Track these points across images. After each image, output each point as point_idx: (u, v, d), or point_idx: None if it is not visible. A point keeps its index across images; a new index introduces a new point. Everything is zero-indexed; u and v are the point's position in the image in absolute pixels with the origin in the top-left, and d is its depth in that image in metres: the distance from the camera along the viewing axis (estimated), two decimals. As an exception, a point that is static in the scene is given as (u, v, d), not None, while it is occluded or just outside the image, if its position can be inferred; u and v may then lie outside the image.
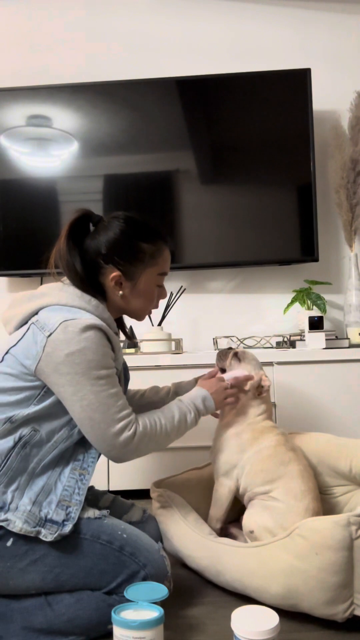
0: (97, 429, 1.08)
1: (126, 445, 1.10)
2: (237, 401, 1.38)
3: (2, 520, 1.01)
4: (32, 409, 1.09)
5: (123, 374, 1.30)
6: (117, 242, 1.20)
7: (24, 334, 1.12)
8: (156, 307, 1.32)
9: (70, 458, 1.14)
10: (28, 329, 1.12)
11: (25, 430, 1.09)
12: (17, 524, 1.01)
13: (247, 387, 1.38)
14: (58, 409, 1.11)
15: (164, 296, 1.31)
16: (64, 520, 1.05)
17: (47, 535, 1.02)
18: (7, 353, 1.12)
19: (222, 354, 1.45)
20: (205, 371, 1.47)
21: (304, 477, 1.28)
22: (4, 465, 1.06)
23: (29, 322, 1.13)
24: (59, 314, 1.10)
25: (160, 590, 0.98)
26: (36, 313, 1.14)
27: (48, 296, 1.16)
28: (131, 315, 1.30)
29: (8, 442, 1.07)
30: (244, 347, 2.23)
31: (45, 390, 1.10)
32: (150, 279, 1.24)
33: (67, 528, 1.04)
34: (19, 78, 2.45)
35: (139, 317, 1.30)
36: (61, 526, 1.04)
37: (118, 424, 1.09)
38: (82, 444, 1.17)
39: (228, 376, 1.37)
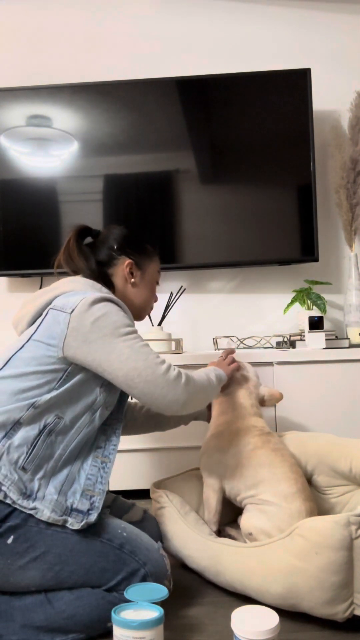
0: (145, 376, 1.09)
1: (178, 382, 1.12)
2: (238, 365, 1.47)
3: (31, 509, 1.02)
4: (54, 393, 1.11)
5: None
6: (127, 236, 1.35)
7: (43, 320, 1.16)
8: (152, 308, 1.42)
9: (92, 446, 1.17)
10: (46, 315, 1.16)
11: (49, 418, 1.10)
12: (45, 512, 1.02)
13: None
14: (79, 393, 1.14)
15: (156, 299, 1.43)
16: (88, 510, 1.07)
17: (74, 523, 1.04)
18: (28, 341, 1.15)
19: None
20: None
21: (289, 480, 1.25)
22: (30, 452, 1.07)
23: (45, 310, 1.17)
24: (75, 295, 1.15)
25: (160, 591, 0.99)
26: (50, 303, 1.18)
27: (60, 288, 1.21)
28: (134, 313, 1.34)
29: (33, 429, 1.08)
30: (244, 347, 2.24)
31: (67, 374, 1.12)
32: (153, 273, 1.38)
33: (93, 517, 1.06)
34: (19, 78, 2.45)
35: (141, 312, 1.38)
36: (87, 515, 1.06)
37: (163, 364, 1.12)
38: (103, 432, 1.20)
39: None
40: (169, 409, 1.13)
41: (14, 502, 1.01)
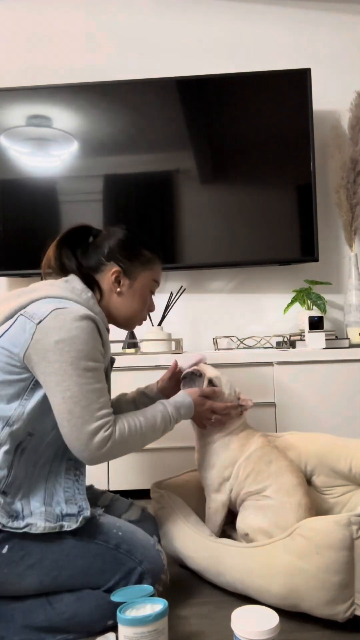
0: (74, 425, 1.05)
1: (99, 448, 1.06)
2: (222, 423, 1.35)
3: (25, 526, 1.00)
4: (25, 406, 1.07)
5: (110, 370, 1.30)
6: (121, 242, 1.27)
7: (11, 325, 1.10)
8: (144, 318, 1.34)
9: (63, 457, 1.14)
10: (16, 320, 1.11)
11: (22, 436, 1.08)
12: (40, 524, 1.01)
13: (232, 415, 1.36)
14: (48, 405, 1.09)
15: (152, 308, 1.34)
16: (79, 512, 1.06)
17: (72, 524, 1.03)
18: None
19: (191, 380, 1.38)
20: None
21: (292, 472, 1.28)
22: (9, 474, 1.05)
23: (17, 314, 1.12)
24: (49, 304, 1.10)
25: (145, 589, 1.00)
26: (24, 307, 1.13)
27: (38, 291, 1.16)
28: (120, 322, 1.30)
29: (10, 449, 1.06)
30: (244, 347, 2.23)
31: (34, 383, 1.09)
32: (146, 282, 1.29)
33: (87, 512, 1.06)
34: (19, 78, 2.45)
35: (127, 323, 1.30)
36: (79, 515, 1.05)
37: (96, 422, 1.06)
38: None
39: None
40: (82, 460, 1.10)
41: (4, 525, 0.99)
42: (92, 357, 1.07)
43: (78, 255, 1.27)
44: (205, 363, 1.44)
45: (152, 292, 1.33)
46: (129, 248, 1.27)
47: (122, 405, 1.42)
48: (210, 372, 1.38)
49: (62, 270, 1.25)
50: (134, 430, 1.12)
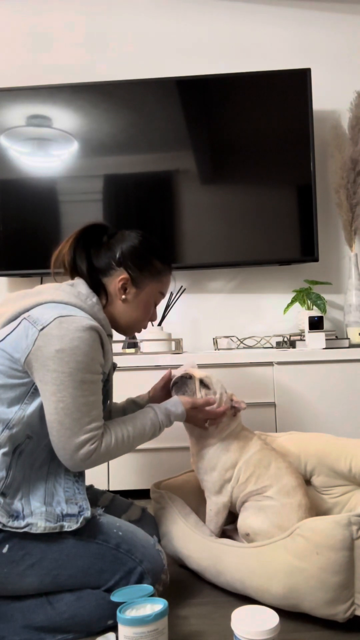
0: (63, 435, 1.06)
1: (83, 460, 1.08)
2: (216, 423, 1.35)
3: (25, 526, 1.00)
4: (26, 410, 1.08)
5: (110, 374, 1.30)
6: (134, 249, 1.25)
7: (14, 329, 1.10)
8: (145, 327, 1.33)
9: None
10: (19, 323, 1.10)
11: (20, 440, 1.08)
12: (40, 524, 1.01)
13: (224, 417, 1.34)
14: None
15: (154, 318, 1.34)
16: (79, 512, 1.06)
17: (72, 525, 1.03)
18: None
19: (183, 383, 1.35)
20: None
21: (292, 473, 1.29)
22: (8, 476, 1.05)
23: (20, 317, 1.11)
24: (53, 310, 1.09)
25: (145, 589, 1.00)
26: (28, 310, 1.13)
27: (43, 294, 1.15)
28: (121, 328, 1.29)
29: (9, 451, 1.06)
30: (244, 347, 2.23)
31: (34, 388, 1.09)
32: (152, 293, 1.28)
33: (87, 513, 1.06)
34: (19, 78, 2.45)
35: (127, 330, 1.30)
36: (79, 515, 1.05)
37: (84, 435, 1.07)
38: None
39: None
40: (65, 465, 1.10)
41: (4, 525, 0.99)
42: (90, 369, 1.08)
43: (91, 253, 1.26)
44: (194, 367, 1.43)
45: (156, 303, 1.32)
46: (140, 257, 1.25)
47: (112, 414, 1.41)
48: (199, 373, 1.37)
49: (73, 271, 1.24)
50: (121, 441, 1.13)
